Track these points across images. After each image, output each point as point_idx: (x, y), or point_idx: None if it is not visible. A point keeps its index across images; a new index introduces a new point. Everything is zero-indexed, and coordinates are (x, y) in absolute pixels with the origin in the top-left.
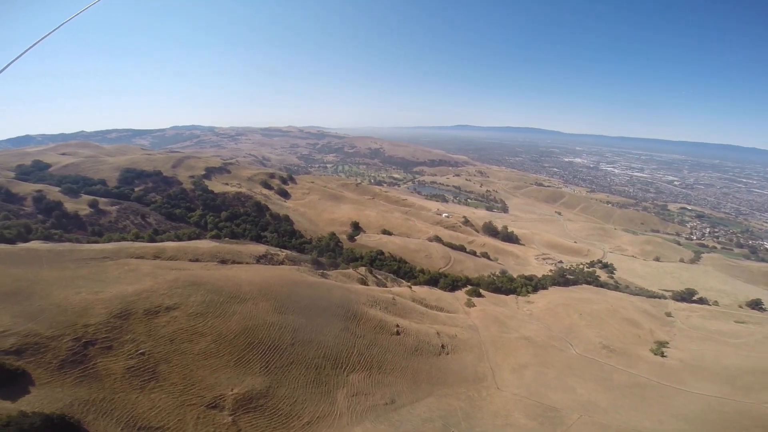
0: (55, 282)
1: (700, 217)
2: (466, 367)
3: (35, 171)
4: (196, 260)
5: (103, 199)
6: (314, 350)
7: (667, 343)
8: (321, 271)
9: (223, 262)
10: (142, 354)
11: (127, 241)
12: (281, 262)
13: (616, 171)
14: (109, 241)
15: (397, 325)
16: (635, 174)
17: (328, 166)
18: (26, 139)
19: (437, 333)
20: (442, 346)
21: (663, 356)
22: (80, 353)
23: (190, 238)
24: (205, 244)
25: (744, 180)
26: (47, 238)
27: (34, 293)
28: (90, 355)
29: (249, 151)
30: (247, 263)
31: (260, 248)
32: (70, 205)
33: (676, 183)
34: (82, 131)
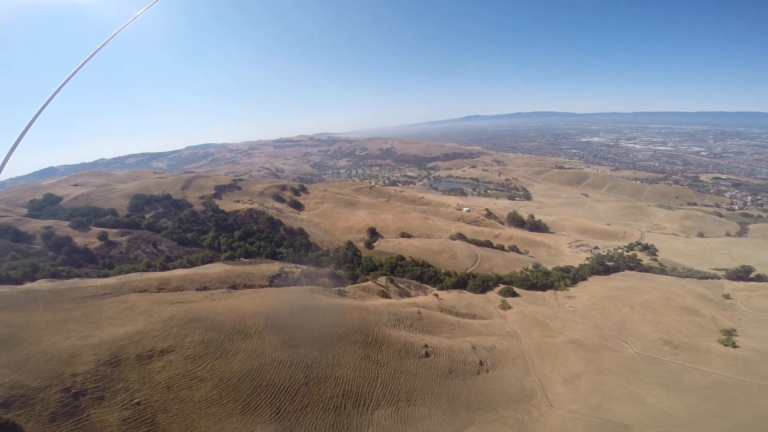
0: (46, 326)
1: (736, 185)
2: (510, 384)
3: (47, 205)
4: (204, 288)
5: (113, 230)
6: (332, 388)
7: (735, 330)
8: (338, 288)
9: (234, 287)
10: (138, 404)
11: (138, 271)
12: (297, 280)
13: (638, 147)
14: (120, 273)
15: (426, 345)
16: (658, 148)
17: (341, 171)
18: (50, 171)
19: (473, 347)
20: (480, 363)
21: (735, 347)
22: (71, 404)
23: (203, 262)
24: (216, 269)
25: None
26: (54, 275)
27: (23, 340)
28: (82, 407)
29: (263, 164)
30: (260, 286)
31: (274, 267)
32: (79, 240)
33: (703, 153)
34: (102, 159)
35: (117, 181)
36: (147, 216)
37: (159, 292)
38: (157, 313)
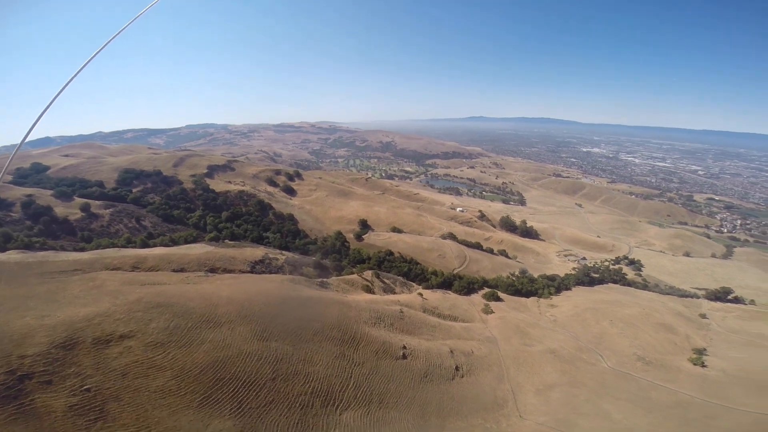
0: (4, 302)
1: (729, 208)
2: (484, 392)
3: (33, 174)
4: (182, 270)
5: (96, 202)
6: (300, 385)
7: (706, 349)
8: (321, 279)
9: (213, 270)
10: (88, 390)
11: (116, 247)
12: (280, 268)
13: (637, 161)
14: (98, 247)
15: (404, 347)
16: (657, 163)
17: (339, 160)
18: (46, 141)
19: (451, 351)
20: (456, 368)
21: (703, 366)
22: (15, 387)
23: (186, 242)
24: (197, 250)
25: None
26: (27, 246)
27: None
28: (26, 390)
29: (261, 147)
30: (240, 271)
31: (258, 252)
32: (60, 210)
33: (700, 173)
34: (100, 132)
35: (109, 154)
36: (134, 190)
37: (133, 271)
38: (124, 295)
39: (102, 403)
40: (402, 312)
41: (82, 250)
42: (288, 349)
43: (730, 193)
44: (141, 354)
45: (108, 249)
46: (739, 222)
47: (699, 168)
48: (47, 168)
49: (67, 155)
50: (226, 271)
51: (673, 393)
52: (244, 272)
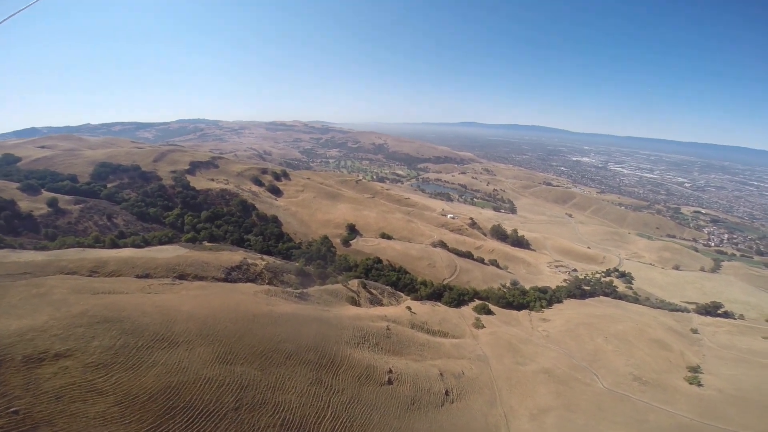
0: None
1: (714, 221)
2: (474, 418)
3: (2, 165)
4: (146, 276)
5: (66, 197)
6: (268, 416)
7: (700, 367)
8: (301, 290)
9: (182, 277)
10: (15, 413)
11: (82, 246)
12: (258, 275)
13: (625, 171)
14: (61, 246)
15: (390, 370)
16: (644, 175)
17: (330, 161)
18: (32, 131)
19: (440, 374)
20: (446, 393)
21: (699, 385)
22: None
23: (160, 242)
24: (168, 253)
25: (755, 183)
26: None
27: None
28: None
29: (251, 144)
30: (213, 278)
31: (236, 257)
32: (24, 204)
33: (686, 185)
34: (88, 124)
35: (88, 147)
36: (109, 185)
37: (90, 275)
38: (68, 306)
39: (32, 428)
40: (389, 329)
41: (44, 248)
42: (255, 375)
43: (715, 206)
44: (79, 376)
45: (70, 249)
46: (726, 236)
47: (685, 180)
48: (18, 159)
49: (43, 146)
50: (197, 278)
51: (671, 415)
52: (218, 279)
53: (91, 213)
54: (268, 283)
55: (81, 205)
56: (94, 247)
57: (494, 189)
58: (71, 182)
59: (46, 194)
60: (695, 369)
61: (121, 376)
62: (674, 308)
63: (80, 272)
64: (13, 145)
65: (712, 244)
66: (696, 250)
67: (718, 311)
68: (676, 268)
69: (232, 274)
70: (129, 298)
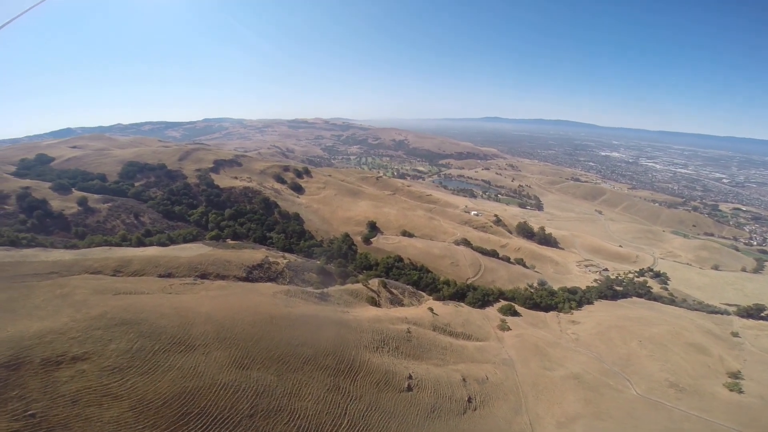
0: None
1: (756, 219)
2: (498, 427)
3: (37, 165)
4: (168, 275)
5: (95, 196)
6: (284, 423)
7: (740, 372)
8: (321, 290)
9: (204, 276)
10: (32, 416)
11: (109, 245)
12: (279, 273)
13: (658, 167)
14: (90, 245)
15: (410, 376)
16: (679, 170)
17: (352, 158)
18: (67, 132)
19: (463, 379)
20: (469, 399)
21: (740, 392)
22: None
23: (185, 240)
24: (191, 252)
25: None
26: (13, 243)
27: None
28: None
29: (274, 142)
30: (234, 277)
31: (258, 255)
32: (56, 204)
33: (724, 181)
34: (119, 124)
35: (117, 146)
36: (137, 184)
37: (114, 275)
38: (88, 308)
39: (48, 431)
40: (410, 332)
41: (74, 247)
42: (272, 380)
43: (756, 203)
44: (95, 379)
45: (96, 248)
46: None
47: (723, 176)
48: (52, 159)
49: (74, 146)
50: (219, 276)
51: (708, 424)
52: (239, 278)
53: (119, 211)
54: (288, 283)
55: (109, 204)
56: (120, 245)
57: (519, 185)
58: (100, 181)
59: (77, 193)
60: (735, 375)
61: (136, 380)
62: (713, 310)
63: (104, 272)
64: (47, 146)
65: (755, 243)
66: (737, 249)
67: (761, 314)
68: (715, 268)
69: (254, 273)
70: (148, 299)
